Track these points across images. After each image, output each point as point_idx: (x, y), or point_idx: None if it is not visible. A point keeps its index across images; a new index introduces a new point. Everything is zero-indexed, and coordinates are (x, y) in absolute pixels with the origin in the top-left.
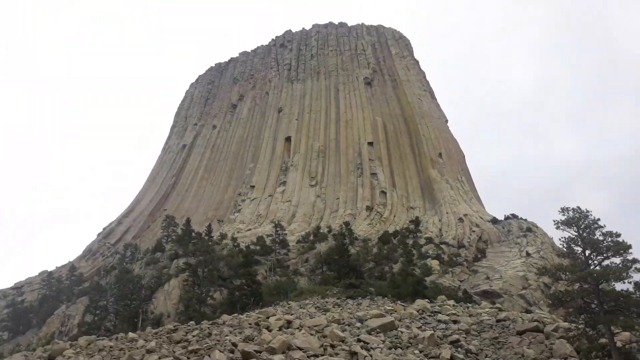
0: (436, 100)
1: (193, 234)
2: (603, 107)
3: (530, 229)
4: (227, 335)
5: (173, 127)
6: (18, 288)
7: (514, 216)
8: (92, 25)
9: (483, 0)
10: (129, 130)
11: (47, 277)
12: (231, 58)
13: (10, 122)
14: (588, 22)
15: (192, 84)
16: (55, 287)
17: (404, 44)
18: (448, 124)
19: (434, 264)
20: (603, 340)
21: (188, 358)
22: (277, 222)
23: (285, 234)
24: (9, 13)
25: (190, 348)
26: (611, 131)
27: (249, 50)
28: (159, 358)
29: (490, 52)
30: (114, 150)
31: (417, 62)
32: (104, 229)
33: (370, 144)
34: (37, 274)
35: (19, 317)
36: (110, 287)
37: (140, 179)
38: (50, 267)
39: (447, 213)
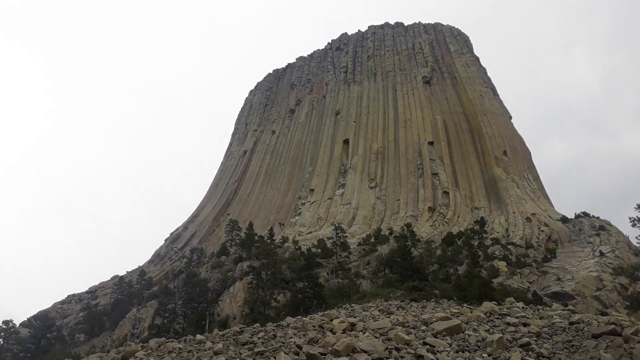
0: (499, 96)
1: (256, 238)
2: None
3: (603, 227)
4: (291, 338)
5: (234, 134)
6: (92, 292)
7: (586, 214)
8: (155, 33)
9: None
10: (195, 137)
11: (119, 282)
12: (288, 64)
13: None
14: None
15: (251, 91)
16: (127, 291)
17: (462, 40)
18: (512, 121)
19: (501, 265)
20: None
21: (254, 359)
22: (337, 225)
23: (346, 236)
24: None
25: (256, 350)
26: None
27: (305, 55)
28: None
29: (554, 46)
30: (179, 158)
31: (477, 58)
32: (171, 234)
33: (431, 143)
34: (109, 279)
35: (93, 319)
36: (178, 291)
37: (205, 185)
38: (121, 272)
39: (513, 213)
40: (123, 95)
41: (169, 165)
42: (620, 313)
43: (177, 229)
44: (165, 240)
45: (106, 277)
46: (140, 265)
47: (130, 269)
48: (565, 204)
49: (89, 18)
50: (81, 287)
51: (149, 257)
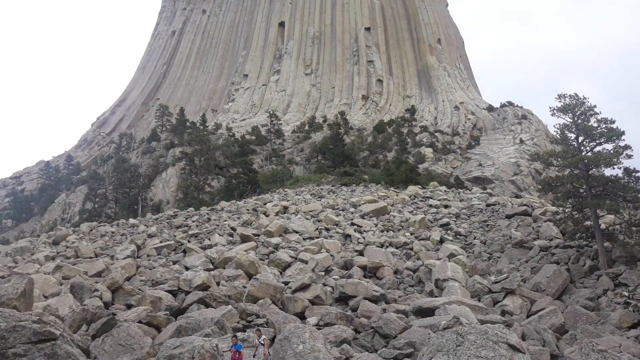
0: None
1: (188, 124)
2: None
3: (525, 116)
4: (225, 220)
5: (161, 12)
6: (17, 177)
7: (510, 104)
8: None
9: None
10: (115, 15)
11: (45, 167)
12: None
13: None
14: None
15: None
16: (54, 176)
17: None
18: (448, 8)
19: (428, 151)
20: (588, 222)
21: (189, 241)
22: (271, 112)
23: (281, 123)
24: None
25: (190, 232)
26: (606, 23)
27: None
28: (161, 242)
29: None
30: (101, 37)
31: None
32: (98, 118)
33: (368, 29)
34: (34, 164)
35: (20, 205)
36: (108, 176)
37: (131, 67)
38: (47, 157)
39: (443, 101)
40: None
41: (91, 44)
42: (532, 196)
43: (103, 113)
44: (92, 124)
45: (30, 162)
46: (67, 150)
47: (56, 154)
48: (493, 93)
49: None
50: (4, 173)
51: (75, 142)
